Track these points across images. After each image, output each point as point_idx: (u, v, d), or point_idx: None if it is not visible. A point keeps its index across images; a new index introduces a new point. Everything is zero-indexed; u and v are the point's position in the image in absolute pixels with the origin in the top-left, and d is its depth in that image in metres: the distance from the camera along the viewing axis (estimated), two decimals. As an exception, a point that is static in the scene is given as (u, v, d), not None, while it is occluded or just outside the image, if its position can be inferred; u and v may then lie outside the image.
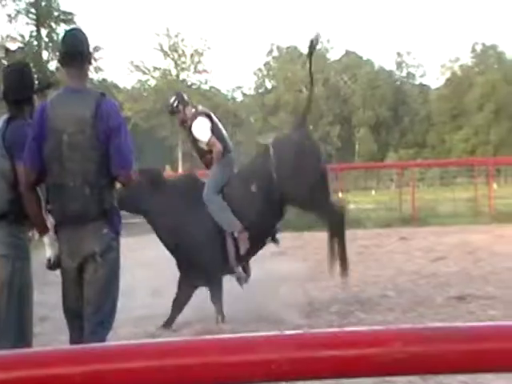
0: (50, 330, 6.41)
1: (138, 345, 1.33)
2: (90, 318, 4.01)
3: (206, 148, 7.41)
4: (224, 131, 7.69)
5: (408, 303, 7.55)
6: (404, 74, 75.92)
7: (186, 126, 7.56)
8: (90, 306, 4.02)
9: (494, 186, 21.74)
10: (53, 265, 4.14)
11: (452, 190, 22.84)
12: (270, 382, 1.24)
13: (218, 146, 7.31)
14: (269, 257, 8.48)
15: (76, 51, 4.09)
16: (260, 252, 7.42)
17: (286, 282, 7.74)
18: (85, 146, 3.94)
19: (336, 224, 7.29)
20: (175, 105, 7.62)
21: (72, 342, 4.12)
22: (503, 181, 29.66)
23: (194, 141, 7.51)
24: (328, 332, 1.23)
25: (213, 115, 7.63)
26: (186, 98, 7.73)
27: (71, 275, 4.04)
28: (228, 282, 7.23)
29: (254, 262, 7.46)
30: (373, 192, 40.00)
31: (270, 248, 7.76)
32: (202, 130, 7.39)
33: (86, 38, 4.18)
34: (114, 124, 3.99)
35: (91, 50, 4.22)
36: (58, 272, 4.23)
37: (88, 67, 4.21)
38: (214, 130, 7.42)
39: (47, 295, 6.52)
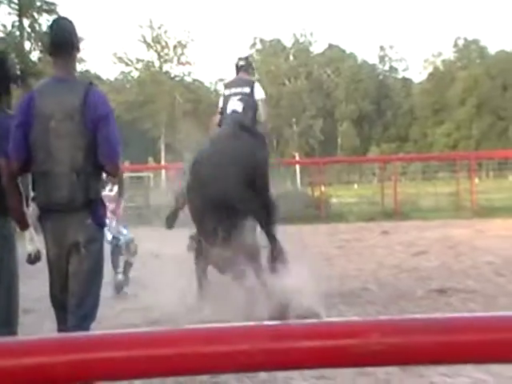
0: (34, 322, 6.38)
1: (118, 335, 1.32)
2: (74, 310, 4.00)
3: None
4: None
5: (389, 297, 7.59)
6: (387, 67, 76.17)
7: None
8: (74, 298, 4.01)
9: (476, 180, 21.87)
10: (33, 259, 4.14)
11: (434, 184, 22.97)
12: (245, 372, 1.23)
13: None
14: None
15: (64, 41, 4.08)
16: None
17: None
18: (72, 133, 3.93)
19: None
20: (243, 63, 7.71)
21: (60, 331, 4.11)
22: (485, 175, 29.89)
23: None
24: (304, 323, 1.22)
25: None
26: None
27: (56, 264, 4.04)
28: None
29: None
30: (355, 186, 40.14)
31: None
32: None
33: (73, 28, 4.16)
34: (102, 113, 3.99)
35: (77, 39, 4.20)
36: (40, 264, 4.22)
37: (76, 57, 4.20)
38: None
39: (30, 287, 6.48)
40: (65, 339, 1.36)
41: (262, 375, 4.77)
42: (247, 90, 7.41)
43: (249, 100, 7.37)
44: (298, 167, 40.24)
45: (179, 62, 63.53)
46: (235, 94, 7.39)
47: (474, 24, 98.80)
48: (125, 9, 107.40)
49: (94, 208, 4.02)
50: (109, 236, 7.93)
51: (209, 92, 71.64)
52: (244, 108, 7.29)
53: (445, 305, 7.17)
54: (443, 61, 74.15)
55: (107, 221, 7.89)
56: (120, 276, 8.14)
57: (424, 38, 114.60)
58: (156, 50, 63.27)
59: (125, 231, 8.36)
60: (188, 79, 64.87)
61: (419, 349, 1.15)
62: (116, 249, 8.20)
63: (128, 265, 8.28)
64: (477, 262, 10.02)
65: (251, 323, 1.24)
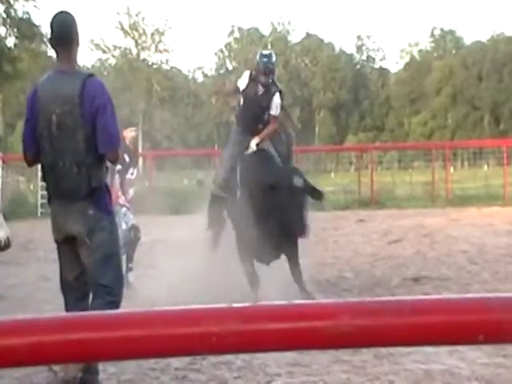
0: (7, 310, 6.35)
1: (84, 316, 1.32)
2: (96, 292, 4.14)
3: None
4: None
5: (365, 284, 7.64)
6: (364, 57, 76.37)
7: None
8: (93, 284, 4.13)
9: (451, 169, 22.05)
10: (3, 246, 4.16)
11: (410, 173, 23.10)
12: (216, 354, 1.24)
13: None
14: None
15: (65, 34, 4.17)
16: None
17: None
18: (72, 126, 4.06)
19: None
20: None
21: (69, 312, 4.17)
22: (460, 164, 30.15)
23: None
24: (275, 305, 1.23)
25: None
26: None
27: (61, 247, 4.20)
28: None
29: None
30: (332, 175, 40.26)
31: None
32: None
33: (74, 22, 4.25)
34: (100, 102, 4.07)
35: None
36: (11, 251, 4.22)
37: (77, 49, 4.26)
38: None
39: (3, 274, 6.45)
40: (25, 321, 1.34)
41: (239, 363, 4.79)
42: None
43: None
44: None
45: (157, 50, 63.20)
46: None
47: (450, 14, 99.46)
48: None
49: (98, 196, 4.13)
50: (124, 225, 7.77)
51: (186, 80, 71.42)
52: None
53: (419, 292, 7.24)
54: (420, 51, 74.55)
55: (124, 209, 7.88)
56: (131, 273, 7.76)
57: (401, 27, 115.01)
58: (133, 38, 62.85)
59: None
60: (166, 67, 64.55)
61: (389, 331, 1.16)
62: (136, 237, 7.91)
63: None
64: (451, 250, 10.12)
65: (222, 305, 1.24)
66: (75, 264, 4.16)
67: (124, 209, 7.93)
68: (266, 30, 72.03)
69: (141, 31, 62.90)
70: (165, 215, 12.99)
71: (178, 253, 7.59)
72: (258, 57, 7.42)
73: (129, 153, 8.05)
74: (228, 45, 73.20)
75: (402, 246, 10.74)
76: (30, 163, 4.33)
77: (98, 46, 62.69)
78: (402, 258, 9.45)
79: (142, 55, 63.45)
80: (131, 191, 8.08)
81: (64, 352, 1.27)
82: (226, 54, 73.46)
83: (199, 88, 71.49)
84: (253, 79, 7.31)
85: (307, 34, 73.64)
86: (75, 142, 4.06)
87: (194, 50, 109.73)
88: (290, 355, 4.71)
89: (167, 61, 64.46)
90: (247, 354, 4.50)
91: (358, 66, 75.41)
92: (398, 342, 1.20)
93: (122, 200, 7.86)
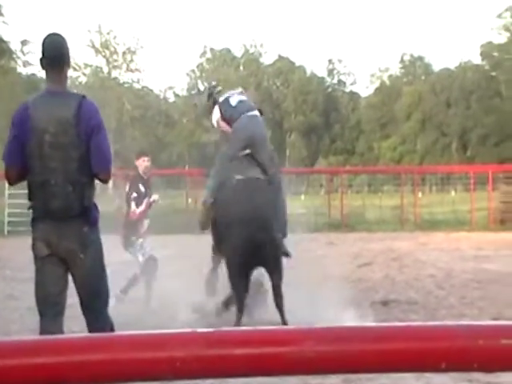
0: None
1: (49, 340, 1.30)
2: (89, 305, 4.26)
3: None
4: None
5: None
6: (335, 81, 77.07)
7: None
8: (86, 297, 4.24)
9: (420, 194, 22.26)
10: None
11: (379, 197, 23.28)
12: (180, 379, 1.23)
13: None
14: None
15: (57, 55, 4.28)
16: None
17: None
18: (66, 146, 4.12)
19: None
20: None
21: (43, 330, 4.21)
22: (428, 189, 30.45)
23: None
24: (239, 330, 1.23)
25: None
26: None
27: (46, 263, 4.19)
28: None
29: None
30: (302, 197, 40.39)
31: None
32: None
33: (66, 43, 4.39)
34: (95, 123, 4.17)
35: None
36: None
37: (68, 70, 4.38)
38: None
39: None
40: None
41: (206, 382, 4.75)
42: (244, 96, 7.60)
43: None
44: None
45: (128, 69, 63.09)
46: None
47: (420, 41, 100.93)
48: (73, 13, 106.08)
49: (89, 214, 4.21)
50: (141, 257, 7.85)
51: (158, 99, 71.34)
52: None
53: (387, 316, 7.27)
54: (390, 76, 75.46)
55: (140, 241, 7.84)
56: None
57: (371, 52, 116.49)
58: (105, 56, 62.72)
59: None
60: (137, 86, 64.46)
61: (353, 357, 1.16)
62: (155, 265, 7.92)
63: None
64: (419, 274, 10.20)
65: (187, 330, 1.23)
66: (60, 279, 4.22)
67: (140, 240, 7.93)
68: (238, 52, 72.46)
69: (112, 50, 62.78)
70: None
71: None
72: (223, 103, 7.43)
73: (143, 182, 8.03)
74: (200, 65, 73.39)
75: (371, 269, 10.80)
76: (13, 180, 4.31)
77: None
78: (371, 281, 9.50)
79: (114, 74, 63.31)
80: (146, 223, 8.09)
81: (28, 376, 1.25)
82: (198, 74, 73.59)
83: (170, 108, 71.47)
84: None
85: (279, 56, 74.17)
86: (69, 161, 4.12)
87: (166, 70, 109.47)
88: (258, 378, 4.68)
89: (139, 80, 64.38)
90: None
91: (329, 90, 76.05)
92: (362, 368, 1.20)
93: (134, 214, 7.85)
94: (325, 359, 1.15)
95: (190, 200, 21.00)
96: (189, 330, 1.25)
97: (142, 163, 8.10)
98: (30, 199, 4.24)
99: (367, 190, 31.02)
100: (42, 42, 4.34)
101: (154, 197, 8.14)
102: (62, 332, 4.23)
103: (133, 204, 7.90)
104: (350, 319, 6.79)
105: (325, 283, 8.00)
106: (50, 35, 4.43)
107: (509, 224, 18.51)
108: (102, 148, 4.19)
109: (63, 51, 4.32)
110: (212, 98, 7.66)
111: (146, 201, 7.97)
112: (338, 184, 21.90)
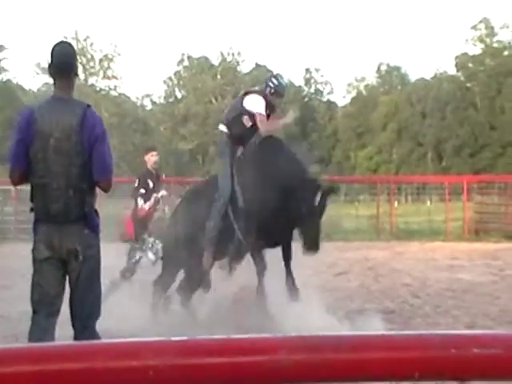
0: None
1: (20, 349, 1.29)
2: (79, 313, 4.35)
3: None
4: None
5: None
6: (312, 90, 77.35)
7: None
8: (78, 302, 4.34)
9: (396, 203, 22.38)
10: None
11: (356, 206, 23.36)
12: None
13: None
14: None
15: (65, 63, 4.44)
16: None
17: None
18: (70, 152, 4.26)
19: None
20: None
21: (35, 326, 4.31)
22: (404, 199, 30.65)
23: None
24: (213, 339, 1.22)
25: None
26: None
27: (46, 266, 4.29)
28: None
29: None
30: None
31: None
32: None
33: (74, 52, 4.64)
34: (99, 133, 4.32)
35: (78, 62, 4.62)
36: None
37: (75, 79, 4.52)
38: None
39: None
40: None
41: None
42: None
43: None
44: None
45: (105, 76, 62.85)
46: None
47: (397, 51, 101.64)
48: (49, 19, 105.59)
49: (89, 218, 4.34)
50: (151, 255, 7.88)
51: (135, 107, 71.08)
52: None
53: (363, 325, 7.28)
54: (366, 85, 75.90)
55: (152, 239, 7.81)
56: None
57: (348, 62, 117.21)
58: (81, 63, 62.40)
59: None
60: (114, 93, 64.18)
61: (327, 366, 1.16)
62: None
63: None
64: (395, 283, 10.25)
65: (161, 338, 1.23)
66: (59, 281, 4.32)
67: (152, 239, 7.88)
68: (215, 60, 72.45)
69: (89, 56, 62.53)
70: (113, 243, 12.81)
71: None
72: (272, 80, 7.62)
73: (151, 178, 8.00)
74: (177, 73, 73.26)
75: (347, 278, 10.83)
76: (17, 182, 4.46)
77: (44, 70, 61.91)
78: (347, 290, 9.52)
79: (90, 81, 63.02)
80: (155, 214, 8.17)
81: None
82: (175, 82, 73.47)
83: (148, 115, 71.25)
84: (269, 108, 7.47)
85: (256, 64, 74.30)
86: (71, 166, 4.25)
87: (143, 77, 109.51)
88: None
89: (116, 87, 64.13)
90: None
91: (306, 99, 76.32)
92: (336, 377, 1.20)
93: (142, 211, 7.84)
94: (299, 368, 1.15)
95: (166, 208, 20.90)
96: (162, 338, 1.25)
97: (151, 158, 8.16)
98: (32, 201, 4.36)
99: (343, 199, 31.13)
100: (51, 49, 4.47)
101: (162, 192, 8.12)
102: (53, 333, 4.33)
103: (140, 200, 7.87)
104: (325, 328, 6.80)
105: (301, 292, 8.01)
106: (59, 43, 4.60)
107: (483, 234, 18.67)
108: (104, 157, 4.33)
109: (71, 60, 4.50)
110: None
111: (154, 196, 7.95)
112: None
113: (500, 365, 1.16)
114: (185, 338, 1.22)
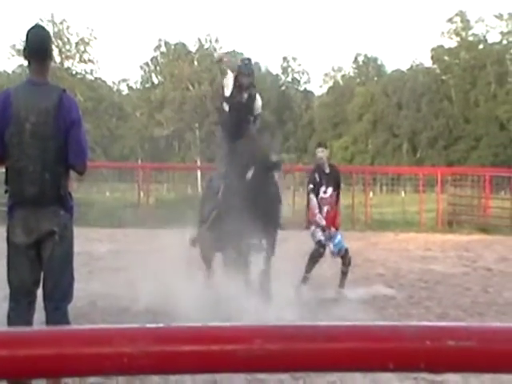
0: None
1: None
2: (52, 294, 4.37)
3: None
4: None
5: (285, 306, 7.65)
6: (289, 79, 77.33)
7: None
8: (50, 282, 4.37)
9: (370, 194, 22.49)
10: None
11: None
12: (127, 375, 1.21)
13: None
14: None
15: (40, 47, 4.47)
16: None
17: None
18: (46, 136, 4.29)
19: None
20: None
21: (17, 319, 4.32)
22: (379, 190, 30.83)
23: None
24: (188, 326, 1.21)
25: None
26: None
27: (23, 251, 4.32)
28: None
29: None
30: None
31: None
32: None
33: (49, 35, 4.72)
34: (74, 117, 4.38)
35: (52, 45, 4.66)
36: None
37: (50, 63, 4.58)
38: None
39: None
40: None
41: (155, 378, 4.72)
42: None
43: None
44: (199, 172, 40.21)
45: (81, 60, 62.21)
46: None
47: (374, 42, 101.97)
48: (25, 1, 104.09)
49: (64, 201, 4.40)
50: (318, 236, 8.48)
51: (111, 92, 70.56)
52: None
53: (337, 314, 7.33)
54: (343, 76, 76.08)
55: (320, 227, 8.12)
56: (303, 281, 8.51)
57: (326, 52, 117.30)
58: (57, 46, 61.70)
59: (338, 237, 8.68)
60: (90, 77, 63.59)
61: (302, 356, 1.16)
62: (317, 252, 8.58)
63: (343, 274, 8.70)
64: (368, 273, 10.32)
65: (135, 325, 1.22)
66: (37, 268, 4.36)
67: (316, 228, 8.60)
68: (192, 46, 72.08)
69: (65, 40, 61.84)
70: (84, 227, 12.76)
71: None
72: (239, 62, 8.71)
73: (319, 172, 8.44)
74: (154, 59, 72.78)
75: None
76: None
77: (19, 52, 61.18)
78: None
79: (66, 64, 62.36)
80: (326, 208, 8.56)
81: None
82: (152, 68, 72.99)
83: (124, 100, 70.77)
84: (237, 87, 8.32)
85: (234, 51, 74.04)
86: (47, 150, 4.29)
87: (120, 62, 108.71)
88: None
89: (92, 71, 63.51)
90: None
91: (283, 88, 76.30)
92: (311, 367, 1.20)
93: (318, 218, 8.14)
94: (273, 357, 1.15)
95: (141, 194, 20.86)
96: (137, 325, 1.24)
97: (319, 153, 8.72)
98: (6, 184, 4.38)
99: (306, 191, 31.17)
100: (26, 33, 4.49)
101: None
102: (32, 320, 4.38)
103: (311, 196, 8.59)
104: (299, 317, 6.83)
105: (275, 281, 8.04)
106: (34, 27, 4.61)
107: (456, 226, 18.86)
108: (80, 142, 4.38)
109: (46, 44, 4.54)
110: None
111: (322, 189, 8.58)
112: (290, 182, 21.96)
113: (474, 357, 1.16)
114: (160, 324, 1.21)
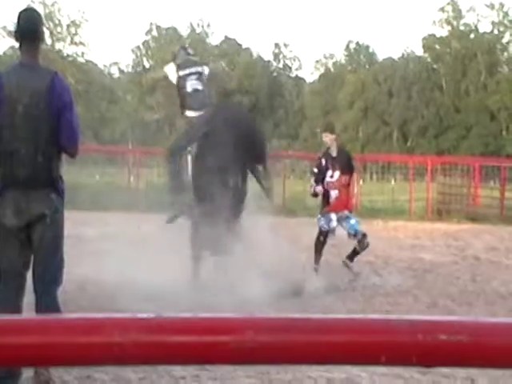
0: None
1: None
2: (42, 276, 4.38)
3: None
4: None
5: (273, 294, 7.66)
6: (281, 65, 77.12)
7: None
8: (40, 265, 4.37)
9: (361, 182, 22.51)
10: None
11: (320, 183, 23.43)
12: (117, 365, 1.21)
13: None
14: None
15: (31, 29, 4.47)
16: None
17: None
18: (38, 118, 4.30)
19: None
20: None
21: (6, 301, 4.32)
22: (369, 177, 30.86)
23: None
24: (180, 317, 1.21)
25: None
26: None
27: (15, 234, 4.32)
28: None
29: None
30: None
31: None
32: None
33: (40, 18, 4.74)
34: (66, 100, 4.39)
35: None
36: None
37: (41, 45, 4.58)
38: None
39: None
40: None
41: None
42: (200, 69, 8.71)
43: (203, 78, 8.66)
44: (189, 157, 40.13)
45: (72, 42, 61.82)
46: (191, 74, 8.57)
47: (366, 29, 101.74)
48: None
49: (56, 184, 4.40)
50: (320, 224, 8.61)
51: (102, 75, 70.20)
52: (202, 86, 8.57)
53: (326, 303, 7.36)
54: (334, 63, 75.93)
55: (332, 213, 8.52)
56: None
57: (318, 38, 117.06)
58: (48, 28, 61.23)
59: (352, 221, 8.74)
60: (81, 60, 63.22)
61: (293, 348, 1.16)
62: (318, 240, 8.74)
63: (355, 252, 8.77)
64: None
65: (126, 314, 1.21)
66: (26, 250, 4.37)
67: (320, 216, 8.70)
68: (184, 31, 71.74)
69: (56, 22, 61.41)
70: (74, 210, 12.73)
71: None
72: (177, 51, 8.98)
73: (326, 156, 8.55)
74: (146, 43, 72.44)
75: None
76: None
77: (10, 33, 60.66)
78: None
79: (57, 46, 61.95)
80: (335, 193, 8.61)
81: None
82: (144, 52, 72.66)
83: (115, 84, 70.47)
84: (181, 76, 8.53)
85: (226, 37, 73.81)
86: (39, 133, 4.29)
87: (111, 45, 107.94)
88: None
89: (83, 54, 63.07)
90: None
91: (275, 74, 76.09)
92: (302, 360, 1.20)
93: (314, 188, 8.60)
94: (265, 349, 1.15)
95: (132, 178, 20.81)
96: (128, 314, 1.23)
97: (324, 138, 8.76)
98: None
99: (309, 176, 31.18)
100: (17, 15, 4.52)
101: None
102: (21, 303, 4.39)
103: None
104: (289, 306, 6.85)
105: (262, 268, 8.04)
106: (25, 10, 4.69)
107: (445, 215, 18.92)
108: (72, 125, 4.38)
109: (37, 26, 4.54)
110: (178, 59, 8.77)
111: (328, 174, 8.57)
112: (281, 169, 21.96)
113: (466, 352, 1.16)
114: (151, 315, 1.20)
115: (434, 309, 7.31)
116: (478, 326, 1.21)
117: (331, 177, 8.56)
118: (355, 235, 8.61)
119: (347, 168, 8.68)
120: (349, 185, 8.75)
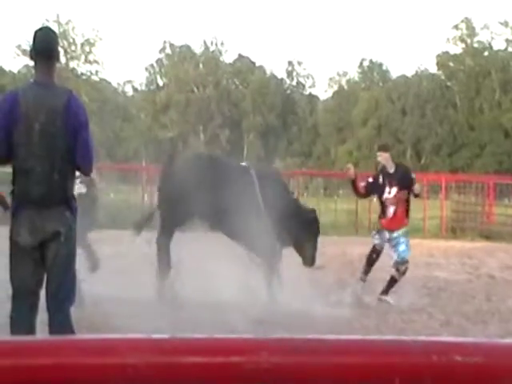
0: None
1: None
2: (55, 294, 4.37)
3: None
4: None
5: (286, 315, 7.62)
6: (294, 83, 77.23)
7: None
8: (54, 283, 4.37)
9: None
10: None
11: (335, 200, 23.40)
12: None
13: None
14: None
15: (47, 48, 4.48)
16: None
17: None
18: (54, 136, 4.32)
19: None
20: None
21: (20, 320, 4.35)
22: (382, 195, 30.76)
23: None
24: (194, 338, 1.20)
25: None
26: None
27: (28, 252, 4.31)
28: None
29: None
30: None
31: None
32: None
33: (56, 37, 4.74)
34: (82, 119, 4.43)
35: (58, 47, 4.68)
36: None
37: (56, 64, 4.59)
38: None
39: None
40: None
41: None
42: None
43: None
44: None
45: (86, 60, 62.31)
46: None
47: (379, 47, 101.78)
48: (31, 1, 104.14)
49: (70, 202, 4.42)
50: (374, 240, 8.71)
51: (116, 93, 70.59)
52: None
53: (340, 320, 7.31)
54: (348, 80, 75.94)
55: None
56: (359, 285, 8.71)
57: (331, 56, 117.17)
58: (62, 46, 61.75)
59: (402, 247, 8.68)
60: (95, 78, 63.67)
61: (308, 369, 1.15)
62: (371, 257, 8.80)
63: (392, 281, 8.68)
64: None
65: (140, 336, 1.21)
66: (40, 269, 4.35)
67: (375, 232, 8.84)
68: (198, 49, 72.05)
69: (70, 40, 61.93)
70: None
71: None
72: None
73: (383, 173, 8.67)
74: (159, 60, 72.81)
75: (324, 273, 10.83)
76: None
77: (25, 52, 61.22)
78: (324, 284, 9.53)
79: (71, 65, 62.44)
80: (391, 209, 8.61)
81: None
82: (157, 69, 73.02)
83: (129, 102, 70.81)
84: None
85: (239, 55, 74.02)
86: (56, 150, 4.31)
87: (125, 63, 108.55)
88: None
89: (97, 72, 63.59)
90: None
91: (288, 92, 76.20)
92: (316, 381, 1.19)
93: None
94: (279, 371, 1.14)
95: (145, 196, 20.85)
96: (142, 335, 1.23)
97: (378, 157, 8.78)
98: (13, 184, 4.39)
99: (323, 193, 31.14)
100: (33, 34, 4.51)
101: None
102: (34, 322, 4.38)
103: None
104: (302, 324, 6.81)
105: (277, 286, 8.01)
106: (42, 28, 4.73)
107: (459, 233, 18.81)
108: (87, 144, 4.41)
109: (53, 45, 4.56)
110: None
111: (387, 190, 8.67)
112: (294, 186, 21.94)
113: (482, 374, 1.16)
114: (165, 335, 1.20)
115: (447, 327, 7.25)
116: (493, 347, 1.20)
117: (389, 193, 8.64)
118: (402, 263, 8.62)
119: (405, 182, 8.69)
120: (407, 199, 8.77)
